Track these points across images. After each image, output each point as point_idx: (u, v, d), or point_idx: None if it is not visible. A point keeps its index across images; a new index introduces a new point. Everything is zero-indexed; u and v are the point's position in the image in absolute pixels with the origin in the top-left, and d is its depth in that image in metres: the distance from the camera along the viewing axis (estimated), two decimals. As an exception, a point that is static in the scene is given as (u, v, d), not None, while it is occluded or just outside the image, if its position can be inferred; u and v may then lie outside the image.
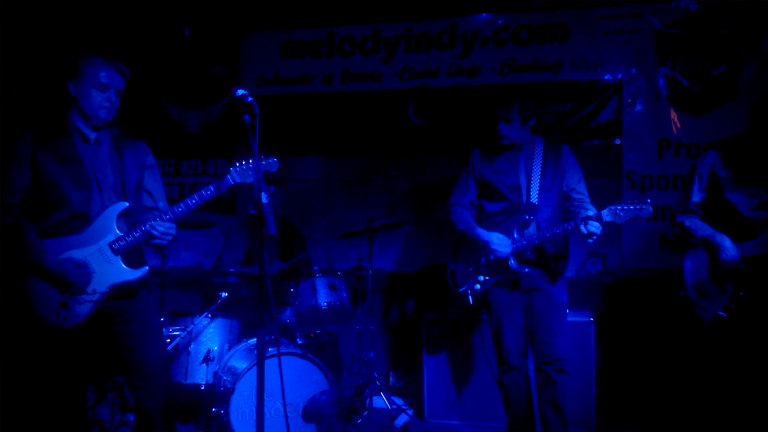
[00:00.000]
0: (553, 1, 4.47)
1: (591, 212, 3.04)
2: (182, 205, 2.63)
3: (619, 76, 4.37)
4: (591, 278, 4.39)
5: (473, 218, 3.35)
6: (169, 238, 2.62)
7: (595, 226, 2.95)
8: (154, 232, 2.59)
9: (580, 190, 3.25)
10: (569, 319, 3.47)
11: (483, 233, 3.23)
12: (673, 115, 4.29)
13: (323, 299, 3.88)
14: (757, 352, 2.95)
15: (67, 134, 2.62)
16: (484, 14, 4.58)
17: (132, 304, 2.67)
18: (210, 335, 3.85)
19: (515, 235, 3.19)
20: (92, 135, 2.66)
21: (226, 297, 3.88)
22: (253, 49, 4.95)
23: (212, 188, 2.65)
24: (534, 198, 3.20)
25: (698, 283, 3.10)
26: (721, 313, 3.00)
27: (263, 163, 2.66)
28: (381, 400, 4.06)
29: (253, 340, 3.67)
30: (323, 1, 4.75)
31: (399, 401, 4.28)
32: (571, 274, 3.44)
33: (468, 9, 4.58)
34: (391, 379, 4.65)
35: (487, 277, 3.25)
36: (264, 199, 2.37)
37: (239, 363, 3.55)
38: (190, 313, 3.91)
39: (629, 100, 4.37)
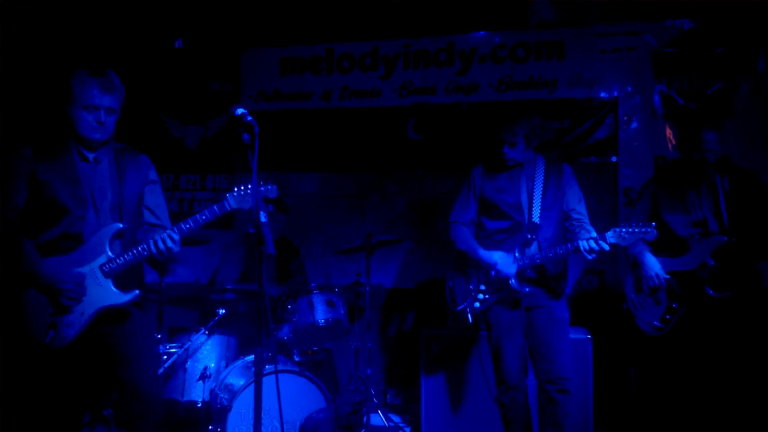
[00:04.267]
0: (550, 19, 4.52)
1: (593, 233, 3.06)
2: (186, 224, 2.58)
3: (615, 93, 4.41)
4: (588, 295, 4.39)
5: (474, 237, 3.34)
6: (171, 253, 2.56)
7: (599, 244, 2.96)
8: (153, 250, 2.55)
9: (579, 210, 3.26)
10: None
11: (485, 255, 3.22)
12: (669, 132, 4.32)
13: (321, 316, 3.86)
14: (693, 361, 3.23)
15: (67, 152, 2.58)
16: (482, 32, 4.62)
17: (123, 325, 2.63)
18: (207, 352, 3.84)
19: (517, 254, 3.18)
20: (90, 155, 2.62)
21: (223, 313, 3.88)
22: (254, 65, 4.98)
23: (207, 213, 2.60)
24: (536, 217, 3.20)
25: (636, 296, 3.41)
26: (657, 323, 3.32)
27: (261, 189, 2.59)
28: (378, 418, 4.04)
29: (251, 357, 3.66)
30: (322, 18, 4.79)
31: (396, 419, 4.26)
32: (567, 291, 3.48)
33: (465, 27, 4.63)
34: (388, 396, 4.63)
35: (487, 296, 3.24)
36: (263, 218, 2.38)
37: (236, 380, 3.54)
38: (187, 329, 3.90)
39: (625, 118, 4.40)
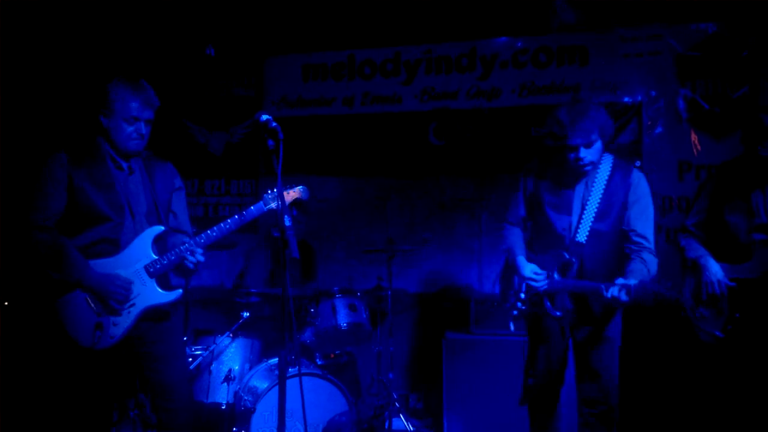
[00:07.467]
0: (572, 24, 4.50)
1: (639, 268, 2.72)
2: (215, 230, 2.70)
3: (639, 98, 4.37)
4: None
5: (522, 238, 3.07)
6: (199, 263, 2.67)
7: (622, 296, 2.59)
8: (189, 257, 2.64)
9: (641, 231, 2.78)
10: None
11: (521, 263, 2.93)
12: (694, 137, 4.28)
13: (343, 320, 3.90)
14: (755, 373, 2.97)
15: (100, 159, 2.66)
16: (503, 37, 4.62)
17: (161, 325, 2.72)
18: (231, 354, 3.88)
19: (555, 276, 2.84)
20: (125, 164, 2.70)
21: (247, 317, 3.92)
22: (276, 72, 5.05)
23: (246, 214, 2.72)
24: (581, 236, 2.79)
25: (695, 303, 3.11)
26: (718, 333, 3.02)
27: (293, 189, 2.73)
28: (400, 422, 4.04)
29: (274, 360, 3.69)
30: (344, 24, 4.84)
31: (418, 423, 4.27)
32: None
33: (487, 32, 4.63)
34: (410, 400, 4.64)
35: (524, 307, 3.00)
36: (287, 221, 2.42)
37: (260, 383, 3.58)
38: (212, 332, 3.95)
39: (649, 123, 4.36)
